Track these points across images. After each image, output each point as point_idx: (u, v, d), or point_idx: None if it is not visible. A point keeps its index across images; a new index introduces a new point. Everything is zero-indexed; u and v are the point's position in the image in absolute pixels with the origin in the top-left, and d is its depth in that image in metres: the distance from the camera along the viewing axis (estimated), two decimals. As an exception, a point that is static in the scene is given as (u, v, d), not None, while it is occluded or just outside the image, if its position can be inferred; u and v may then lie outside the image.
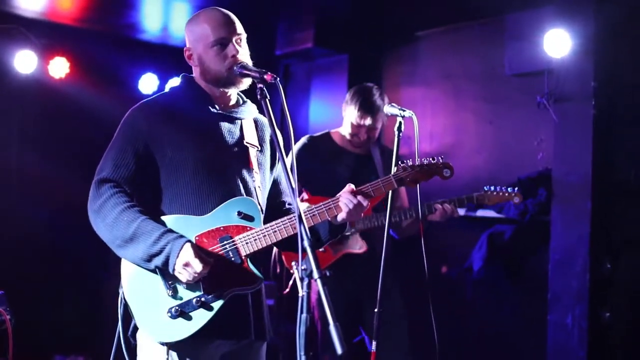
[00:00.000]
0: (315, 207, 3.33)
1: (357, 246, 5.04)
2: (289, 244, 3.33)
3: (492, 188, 4.97)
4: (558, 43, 5.93)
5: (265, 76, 3.15)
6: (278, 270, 5.27)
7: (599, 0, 5.92)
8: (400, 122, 4.28)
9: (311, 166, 5.09)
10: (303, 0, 7.05)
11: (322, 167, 5.13)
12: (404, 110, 4.35)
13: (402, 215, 5.07)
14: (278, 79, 3.10)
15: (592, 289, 5.91)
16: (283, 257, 5.16)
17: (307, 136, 5.39)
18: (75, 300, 7.50)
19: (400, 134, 4.28)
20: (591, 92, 5.93)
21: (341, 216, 3.35)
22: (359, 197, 3.32)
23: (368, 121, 5.15)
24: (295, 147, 5.24)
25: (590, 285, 5.90)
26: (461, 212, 6.51)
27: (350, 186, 3.38)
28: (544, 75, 6.35)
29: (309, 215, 3.31)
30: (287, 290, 5.25)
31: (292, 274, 5.07)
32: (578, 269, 5.93)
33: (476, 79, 7.21)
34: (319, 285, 2.56)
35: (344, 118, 5.28)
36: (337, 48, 8.04)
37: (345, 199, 3.32)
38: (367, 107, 5.13)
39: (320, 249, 4.95)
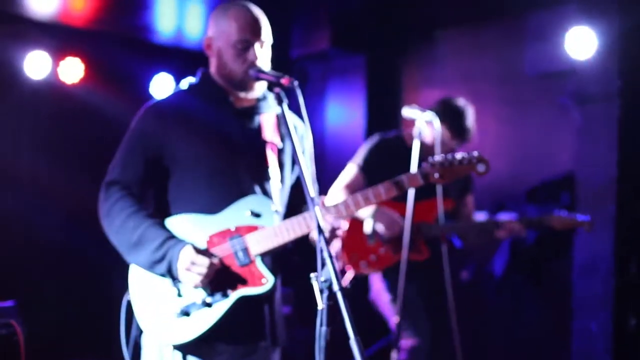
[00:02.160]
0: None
1: (419, 252, 4.92)
2: (308, 254, 3.23)
3: (562, 213, 4.87)
4: (581, 42, 5.84)
5: (282, 80, 3.03)
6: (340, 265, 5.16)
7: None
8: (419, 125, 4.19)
9: (380, 169, 4.92)
10: (319, 1, 6.98)
11: (392, 171, 4.92)
12: (423, 112, 4.26)
13: (451, 228, 4.98)
14: (296, 83, 2.99)
15: (618, 294, 5.84)
16: (345, 254, 5.03)
17: (379, 136, 5.19)
18: (88, 305, 7.44)
19: (420, 137, 4.20)
20: (616, 92, 5.85)
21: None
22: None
23: (456, 144, 5.00)
24: (367, 146, 5.13)
25: (616, 291, 5.83)
26: (482, 216, 6.43)
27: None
28: (566, 76, 6.26)
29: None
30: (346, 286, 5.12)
31: (346, 270, 4.99)
32: (603, 274, 5.85)
33: (496, 80, 7.13)
34: (338, 297, 2.47)
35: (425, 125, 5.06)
36: (353, 49, 7.96)
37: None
38: (461, 132, 4.99)
39: (381, 250, 4.87)
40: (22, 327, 4.63)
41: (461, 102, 5.10)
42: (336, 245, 5.12)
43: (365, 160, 5.01)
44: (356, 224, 4.95)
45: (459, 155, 3.36)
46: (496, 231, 4.91)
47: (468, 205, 5.27)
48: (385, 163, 4.79)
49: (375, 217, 4.84)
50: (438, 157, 3.34)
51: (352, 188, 4.91)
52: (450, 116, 4.97)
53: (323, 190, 5.03)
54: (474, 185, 5.30)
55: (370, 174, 4.94)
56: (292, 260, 3.35)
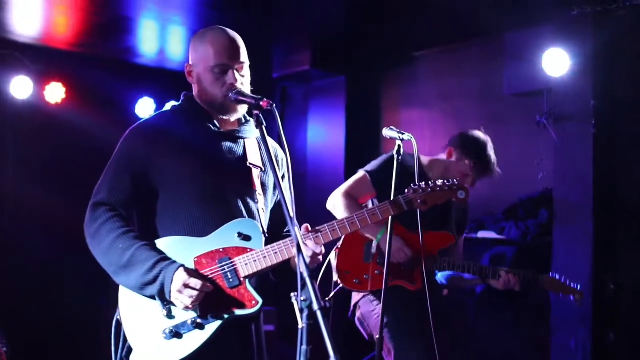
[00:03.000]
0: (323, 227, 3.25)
1: (412, 281, 4.91)
2: (284, 274, 3.29)
3: (558, 277, 4.90)
4: (557, 62, 5.91)
5: (261, 103, 3.06)
6: (335, 278, 5.10)
7: (597, 19, 5.90)
8: (399, 146, 4.23)
9: (389, 182, 4.93)
10: (299, 23, 7.04)
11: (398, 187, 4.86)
12: (402, 134, 4.30)
13: (451, 265, 4.94)
14: (274, 105, 3.01)
15: (596, 310, 5.85)
16: (337, 265, 5.00)
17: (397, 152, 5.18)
18: (70, 325, 7.44)
19: (400, 158, 4.23)
20: (591, 111, 5.91)
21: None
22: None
23: (479, 177, 5.04)
24: (382, 157, 5.08)
25: (594, 307, 5.85)
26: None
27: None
28: (543, 95, 6.32)
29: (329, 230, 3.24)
30: (330, 297, 5.10)
31: (339, 284, 4.97)
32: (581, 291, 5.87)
33: (475, 99, 7.19)
34: (319, 317, 2.49)
35: (446, 155, 5.07)
36: (334, 70, 8.03)
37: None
38: (484, 166, 5.02)
39: (376, 271, 4.86)
40: (6, 348, 4.64)
41: (480, 134, 5.14)
42: (332, 258, 5.10)
43: (378, 169, 4.98)
44: (354, 239, 4.92)
45: (440, 182, 3.44)
46: (492, 280, 4.91)
47: (460, 246, 5.28)
48: (396, 179, 4.80)
49: (382, 241, 4.82)
50: (421, 184, 3.42)
51: (355, 193, 4.92)
52: (474, 149, 5.01)
53: (304, 208, 5.06)
54: (467, 226, 5.32)
55: (380, 185, 4.92)
56: (269, 280, 3.38)
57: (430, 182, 3.44)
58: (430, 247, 4.75)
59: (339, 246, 4.95)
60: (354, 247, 4.92)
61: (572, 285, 4.88)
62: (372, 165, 5.02)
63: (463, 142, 5.07)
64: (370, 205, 4.95)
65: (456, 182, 3.49)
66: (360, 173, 5.00)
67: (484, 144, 5.08)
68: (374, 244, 4.86)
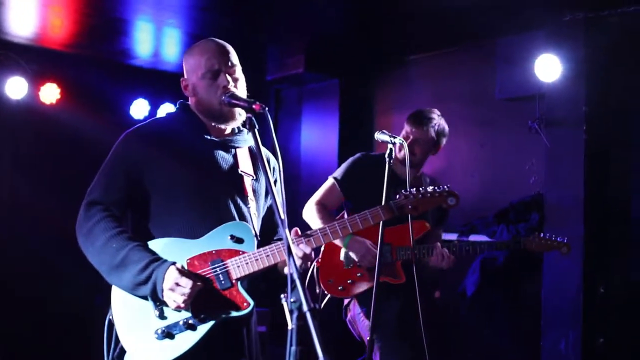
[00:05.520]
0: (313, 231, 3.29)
1: (396, 275, 4.94)
2: (275, 280, 3.32)
3: (542, 235, 4.88)
4: (549, 67, 5.95)
5: (253, 106, 3.09)
6: (317, 290, 5.16)
7: (589, 25, 5.94)
8: (390, 149, 4.26)
9: (359, 185, 4.96)
10: (293, 26, 7.07)
11: (370, 189, 4.68)
12: (394, 137, 4.34)
13: (427, 251, 4.96)
14: (267, 109, 3.04)
15: (586, 314, 5.90)
16: (320, 277, 5.05)
17: (362, 154, 5.20)
18: (67, 325, 7.45)
19: (391, 161, 4.27)
20: (582, 116, 5.95)
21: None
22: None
23: (414, 131, 5.04)
24: (348, 161, 5.14)
25: (584, 311, 5.89)
26: (453, 236, 6.52)
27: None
28: (534, 100, 6.36)
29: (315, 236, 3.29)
30: (320, 308, 5.12)
31: (327, 294, 5.01)
32: (571, 295, 5.91)
33: (467, 103, 7.22)
34: (308, 318, 2.52)
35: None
36: (327, 73, 8.07)
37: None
38: (415, 115, 5.08)
39: (357, 274, 4.91)
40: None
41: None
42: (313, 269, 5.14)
43: (344, 174, 5.02)
44: (333, 247, 4.97)
45: (430, 188, 3.49)
46: (428, 257, 4.89)
47: (438, 237, 5.29)
48: (365, 180, 4.83)
49: (349, 246, 4.87)
50: (412, 190, 3.46)
51: (326, 202, 4.97)
52: (414, 115, 5.08)
53: (298, 210, 5.10)
54: (447, 220, 5.35)
55: (349, 189, 4.98)
56: (259, 287, 3.41)
57: (421, 188, 3.48)
58: (404, 238, 4.76)
59: (319, 259, 4.99)
60: (332, 256, 4.97)
61: (557, 239, 4.86)
62: (339, 170, 5.07)
63: (410, 117, 5.14)
64: (346, 215, 5.01)
65: (447, 189, 3.54)
66: (329, 180, 5.05)
67: (422, 109, 5.16)
68: (342, 251, 4.92)
